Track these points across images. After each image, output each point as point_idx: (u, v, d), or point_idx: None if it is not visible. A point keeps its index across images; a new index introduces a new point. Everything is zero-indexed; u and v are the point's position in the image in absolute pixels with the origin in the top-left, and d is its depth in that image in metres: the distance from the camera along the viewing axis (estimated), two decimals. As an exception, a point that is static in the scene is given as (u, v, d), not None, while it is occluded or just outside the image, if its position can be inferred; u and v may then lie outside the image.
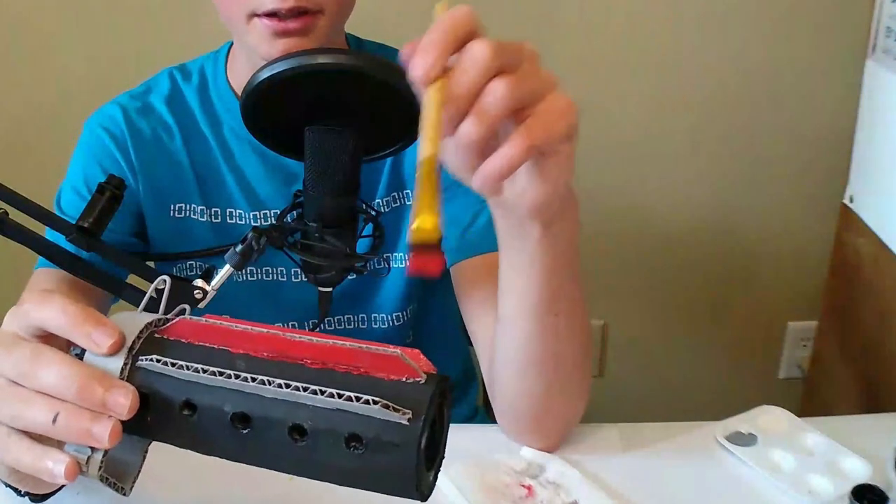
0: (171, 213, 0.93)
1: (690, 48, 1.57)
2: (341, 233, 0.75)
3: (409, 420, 0.43)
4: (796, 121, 1.63)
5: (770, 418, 0.85)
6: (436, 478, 0.47)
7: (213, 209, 0.93)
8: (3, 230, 0.74)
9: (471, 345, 0.89)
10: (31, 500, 0.64)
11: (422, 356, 0.46)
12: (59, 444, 0.50)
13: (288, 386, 0.45)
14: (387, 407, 0.43)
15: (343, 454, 0.44)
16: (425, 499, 0.45)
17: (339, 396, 0.44)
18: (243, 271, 0.78)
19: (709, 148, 1.65)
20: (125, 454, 0.51)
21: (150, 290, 0.56)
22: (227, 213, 0.93)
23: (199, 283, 0.75)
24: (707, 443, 0.82)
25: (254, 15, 0.78)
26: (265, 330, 0.48)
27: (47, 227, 0.81)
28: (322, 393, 0.44)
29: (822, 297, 1.54)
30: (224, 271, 0.75)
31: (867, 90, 1.30)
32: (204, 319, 0.49)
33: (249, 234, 0.74)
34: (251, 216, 0.93)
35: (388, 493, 0.45)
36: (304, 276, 0.78)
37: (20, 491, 0.61)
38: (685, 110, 1.62)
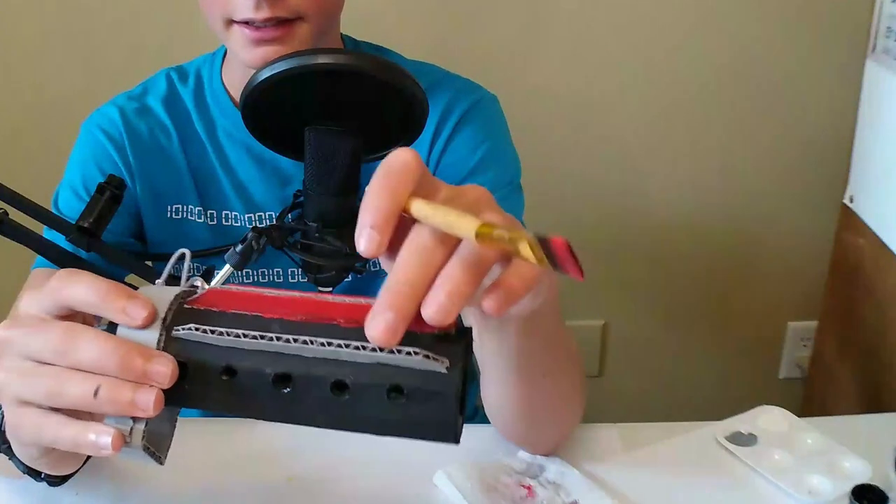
0: (169, 214, 0.93)
1: (690, 47, 1.57)
2: (341, 233, 0.75)
3: (447, 368, 0.44)
4: (796, 121, 1.63)
5: (770, 418, 0.85)
6: (463, 422, 0.48)
7: (210, 210, 0.93)
8: (3, 230, 0.74)
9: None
10: (50, 484, 0.64)
11: None
12: (93, 420, 0.50)
13: (330, 344, 0.46)
14: (427, 357, 0.44)
15: (385, 405, 0.45)
16: (458, 441, 0.47)
17: (381, 350, 0.45)
18: (240, 272, 0.78)
19: (708, 148, 1.65)
20: (160, 424, 0.52)
21: (168, 265, 0.55)
22: (223, 215, 0.93)
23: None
24: (707, 443, 0.82)
25: (231, 21, 0.78)
26: (295, 294, 0.49)
27: (45, 227, 0.81)
28: (364, 348, 0.45)
29: (822, 297, 1.54)
30: (224, 271, 0.75)
31: (867, 90, 1.30)
32: (234, 288, 0.50)
33: (249, 234, 0.74)
34: (246, 218, 0.93)
35: (425, 439, 0.47)
36: (301, 276, 0.78)
37: (40, 475, 0.61)
38: (685, 110, 1.62)
